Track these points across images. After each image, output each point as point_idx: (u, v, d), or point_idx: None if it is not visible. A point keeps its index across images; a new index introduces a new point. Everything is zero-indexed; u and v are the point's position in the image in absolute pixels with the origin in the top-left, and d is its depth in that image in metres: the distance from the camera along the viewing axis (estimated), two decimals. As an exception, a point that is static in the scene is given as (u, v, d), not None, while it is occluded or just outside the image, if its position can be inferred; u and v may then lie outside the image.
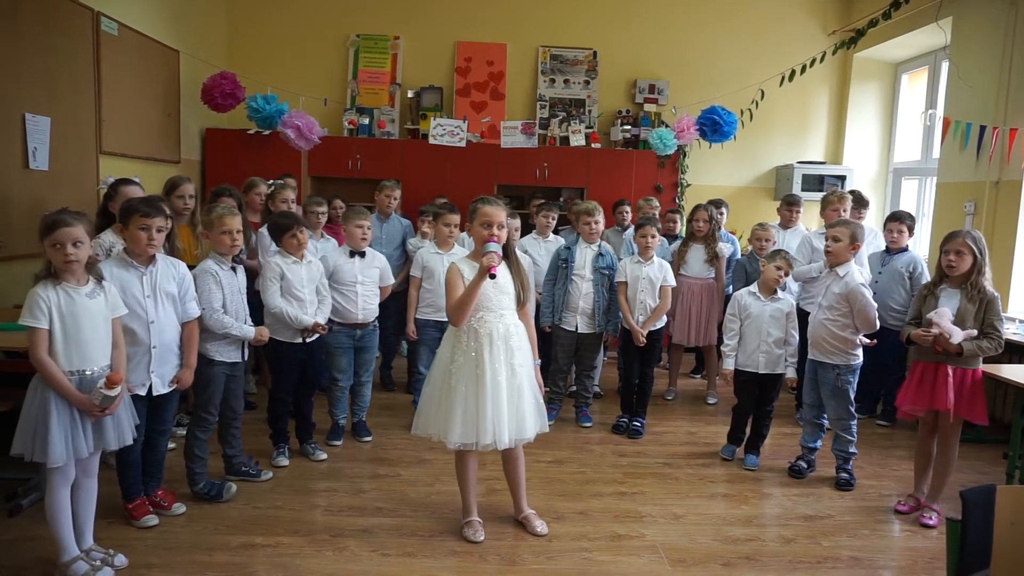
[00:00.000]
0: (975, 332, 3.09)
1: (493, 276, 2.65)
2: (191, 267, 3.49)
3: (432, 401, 2.87)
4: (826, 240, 3.55)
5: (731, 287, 4.76)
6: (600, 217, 4.29)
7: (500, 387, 2.77)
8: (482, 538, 2.93)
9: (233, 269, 3.23)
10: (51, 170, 4.12)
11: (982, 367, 3.23)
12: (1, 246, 3.77)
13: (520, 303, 2.91)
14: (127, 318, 2.73)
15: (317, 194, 5.31)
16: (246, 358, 3.33)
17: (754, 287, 3.92)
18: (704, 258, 4.83)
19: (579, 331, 4.26)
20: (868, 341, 3.64)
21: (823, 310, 3.56)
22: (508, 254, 2.90)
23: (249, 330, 3.22)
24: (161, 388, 2.88)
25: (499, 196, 5.67)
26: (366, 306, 3.88)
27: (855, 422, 3.63)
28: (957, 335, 3.05)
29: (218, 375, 3.19)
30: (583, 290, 4.24)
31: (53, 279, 2.43)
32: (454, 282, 2.80)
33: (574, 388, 4.59)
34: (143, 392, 2.82)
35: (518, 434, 2.83)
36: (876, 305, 3.52)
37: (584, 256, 4.28)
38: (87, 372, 2.47)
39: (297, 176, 5.66)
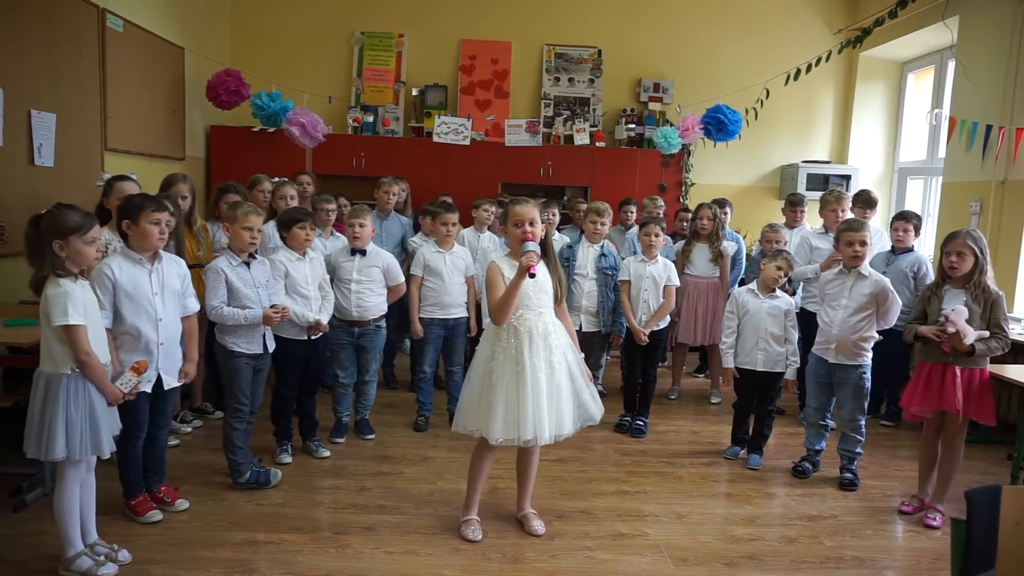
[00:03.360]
0: (987, 333, 3.08)
1: (533, 275, 2.66)
2: (195, 265, 3.52)
3: (473, 398, 2.88)
4: (852, 245, 3.47)
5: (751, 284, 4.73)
6: (608, 220, 4.31)
7: (540, 384, 2.78)
8: (480, 537, 2.93)
9: (247, 264, 3.26)
10: (56, 166, 4.13)
11: (988, 367, 3.21)
12: (6, 241, 3.78)
13: (557, 300, 2.92)
14: (137, 316, 2.75)
15: (321, 192, 5.30)
16: (270, 350, 3.34)
17: (753, 285, 3.92)
18: (709, 257, 4.82)
19: (583, 330, 4.26)
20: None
21: (852, 312, 3.49)
22: (546, 251, 2.90)
23: (254, 313, 3.19)
24: (171, 383, 2.92)
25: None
26: (361, 303, 3.84)
27: (864, 421, 3.62)
28: (971, 335, 3.04)
29: (241, 366, 3.23)
30: (585, 289, 4.24)
31: (71, 276, 2.44)
32: (495, 281, 2.81)
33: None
34: (149, 388, 2.83)
35: (558, 430, 2.84)
36: (900, 301, 3.52)
37: (586, 256, 4.28)
38: (104, 364, 2.52)
39: (308, 174, 5.64)
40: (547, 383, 2.80)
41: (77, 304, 2.38)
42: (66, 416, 2.41)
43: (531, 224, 2.78)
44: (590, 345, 4.34)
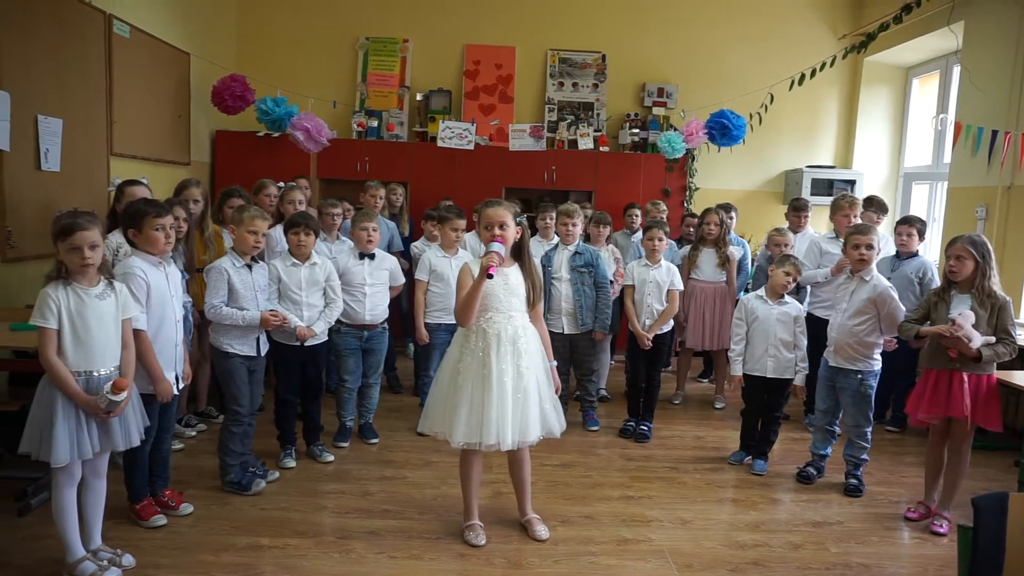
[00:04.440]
0: (993, 338, 3.06)
1: (491, 276, 2.66)
2: (200, 270, 3.53)
3: (439, 400, 2.88)
4: (859, 248, 3.47)
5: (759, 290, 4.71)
6: (579, 220, 4.29)
7: (505, 388, 2.77)
8: (483, 542, 2.92)
9: (249, 267, 3.28)
10: (63, 171, 4.14)
11: (995, 373, 3.20)
12: (13, 246, 3.80)
13: (531, 304, 2.91)
14: (165, 317, 2.79)
15: (326, 196, 5.32)
16: (262, 353, 3.35)
17: (761, 291, 3.91)
18: (716, 262, 4.82)
19: (566, 332, 4.25)
20: (891, 344, 3.64)
21: (850, 316, 3.50)
22: (521, 254, 2.91)
23: (251, 315, 3.22)
24: (181, 383, 2.96)
25: (511, 199, 5.68)
26: (373, 308, 3.90)
27: (871, 428, 3.60)
28: (977, 339, 3.03)
29: (236, 366, 3.24)
30: (563, 292, 4.25)
31: (64, 280, 2.45)
32: (464, 282, 2.82)
33: (578, 393, 4.57)
34: (177, 391, 2.87)
35: (522, 436, 2.82)
36: (903, 308, 3.51)
37: (560, 258, 4.29)
38: (95, 373, 2.48)
39: (307, 178, 5.68)
40: (513, 387, 2.78)
41: (45, 308, 2.38)
42: (33, 414, 2.43)
43: (501, 227, 2.78)
44: (580, 349, 4.32)
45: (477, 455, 2.92)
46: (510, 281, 2.83)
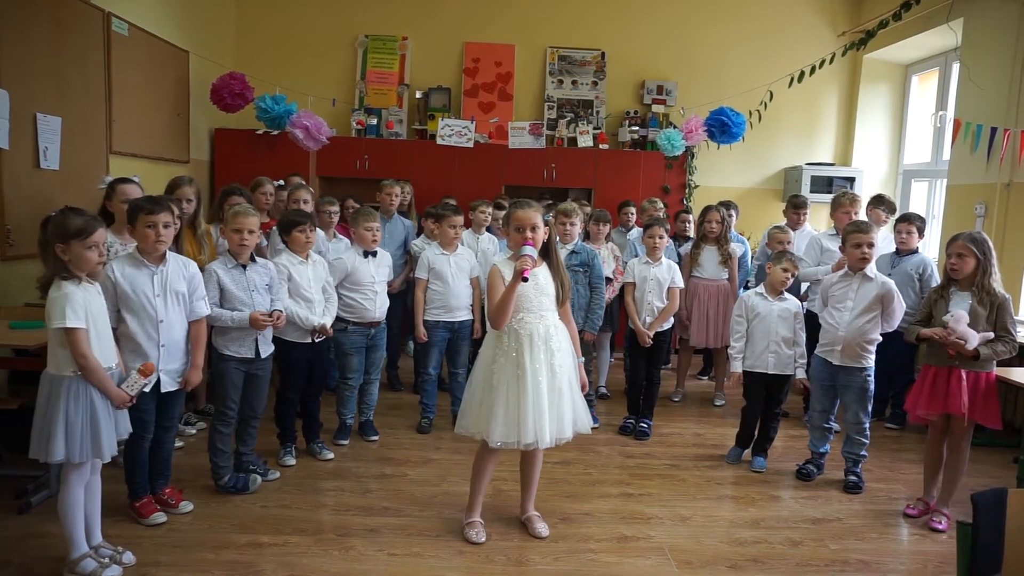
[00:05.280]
0: (991, 335, 3.07)
1: (526, 279, 2.67)
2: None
3: (474, 401, 2.89)
4: (860, 247, 3.47)
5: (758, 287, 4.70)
6: (577, 220, 4.23)
7: (540, 387, 2.78)
8: (484, 539, 2.93)
9: (243, 267, 3.24)
10: (62, 169, 4.14)
11: (994, 370, 3.20)
12: (12, 244, 3.80)
13: (560, 302, 2.92)
14: (135, 317, 2.76)
15: (325, 194, 5.33)
16: (263, 356, 3.30)
17: (760, 288, 3.91)
18: (718, 259, 4.81)
19: None
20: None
21: (859, 314, 3.49)
22: (550, 253, 2.92)
23: (241, 315, 3.16)
24: (170, 385, 2.90)
25: (503, 198, 5.67)
26: (383, 304, 3.95)
27: (869, 423, 3.61)
28: (973, 339, 3.03)
29: (229, 370, 3.22)
30: None
31: (75, 279, 2.45)
32: (495, 284, 2.82)
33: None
34: (148, 389, 2.83)
35: (559, 433, 2.84)
36: (904, 304, 3.52)
37: None
38: (113, 367, 2.54)
39: (305, 176, 5.69)
40: (548, 386, 2.80)
41: (76, 307, 2.38)
42: (66, 418, 2.41)
43: (532, 230, 2.79)
44: None
45: (495, 454, 2.93)
46: (539, 281, 2.83)
